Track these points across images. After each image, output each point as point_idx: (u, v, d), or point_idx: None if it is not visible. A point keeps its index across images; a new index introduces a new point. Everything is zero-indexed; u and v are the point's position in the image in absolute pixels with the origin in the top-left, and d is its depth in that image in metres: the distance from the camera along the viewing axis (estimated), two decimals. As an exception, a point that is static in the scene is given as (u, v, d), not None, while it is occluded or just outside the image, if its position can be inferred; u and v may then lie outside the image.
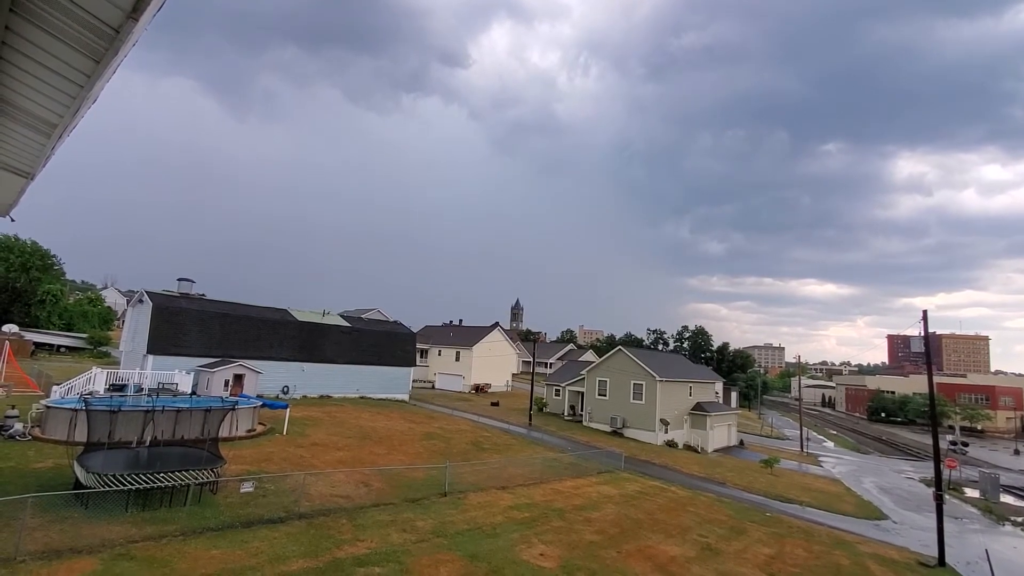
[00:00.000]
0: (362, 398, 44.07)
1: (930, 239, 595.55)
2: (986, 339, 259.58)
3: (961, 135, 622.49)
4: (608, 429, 43.58)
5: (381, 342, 48.40)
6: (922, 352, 23.27)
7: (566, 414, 50.43)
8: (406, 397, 48.50)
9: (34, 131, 5.09)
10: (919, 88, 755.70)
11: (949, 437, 63.55)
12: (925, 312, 22.81)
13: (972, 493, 37.16)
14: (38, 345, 54.47)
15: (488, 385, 67.39)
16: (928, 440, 25.80)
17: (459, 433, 33.58)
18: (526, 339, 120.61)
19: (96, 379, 27.89)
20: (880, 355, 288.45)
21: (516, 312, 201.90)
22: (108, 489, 13.58)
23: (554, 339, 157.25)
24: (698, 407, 46.29)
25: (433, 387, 66.47)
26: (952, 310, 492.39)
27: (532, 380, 49.03)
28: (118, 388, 28.36)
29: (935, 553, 20.52)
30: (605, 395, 45.43)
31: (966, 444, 63.52)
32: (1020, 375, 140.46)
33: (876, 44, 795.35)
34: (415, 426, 33.81)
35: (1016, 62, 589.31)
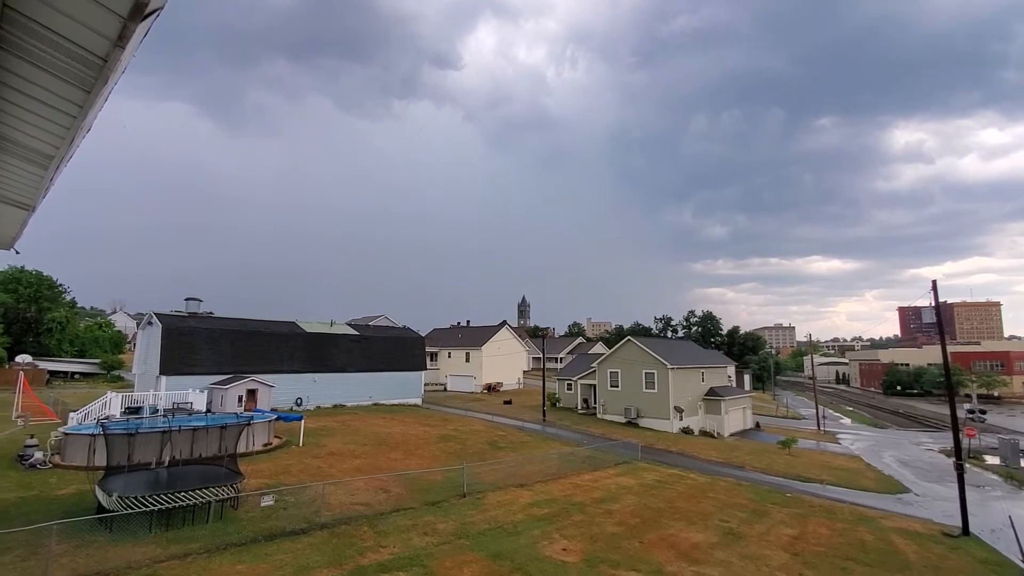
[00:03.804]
0: (375, 405, 44.24)
1: (934, 208, 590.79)
2: (997, 305, 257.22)
3: (956, 101, 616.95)
4: (623, 420, 43.52)
5: (390, 348, 48.56)
6: (934, 323, 23.04)
7: (579, 408, 50.41)
8: (419, 401, 48.65)
9: (31, 164, 5.12)
10: (909, 57, 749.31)
11: (967, 406, 62.80)
12: (934, 282, 22.57)
13: (992, 460, 36.83)
14: (52, 373, 55.07)
15: (500, 384, 67.48)
16: (946, 410, 25.61)
17: (474, 433, 33.65)
18: (534, 335, 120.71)
19: (111, 403, 28.16)
20: (892, 328, 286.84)
21: (523, 309, 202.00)
22: (130, 511, 13.71)
23: (562, 334, 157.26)
24: (711, 392, 46.13)
25: (445, 389, 66.63)
26: (960, 278, 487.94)
27: (543, 376, 49.01)
28: (134, 411, 28.60)
29: (959, 523, 20.37)
30: (617, 386, 45.35)
31: (984, 412, 62.75)
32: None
33: (863, 17, 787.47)
34: (430, 429, 33.91)
35: (1005, 24, 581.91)
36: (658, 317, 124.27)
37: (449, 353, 72.17)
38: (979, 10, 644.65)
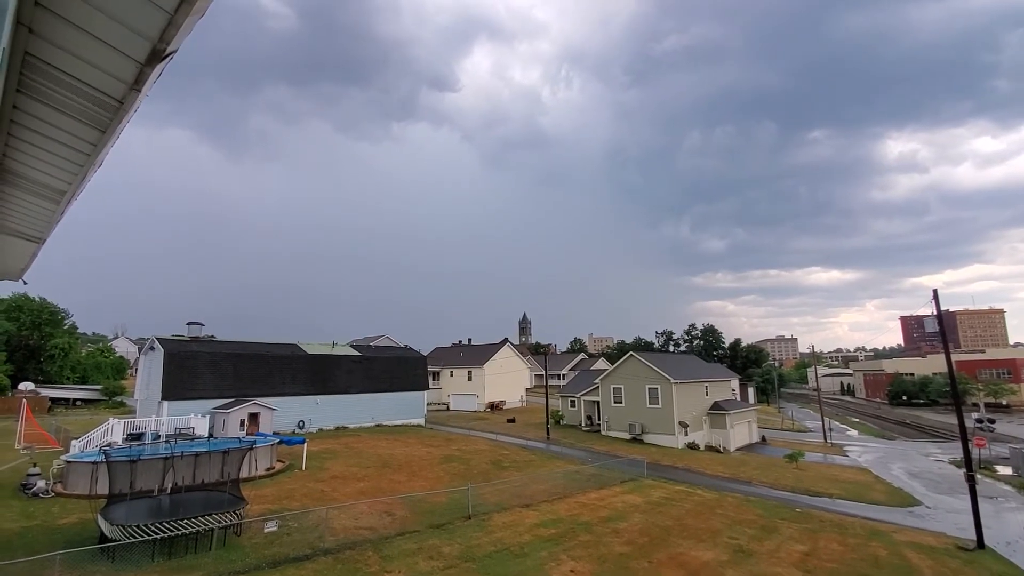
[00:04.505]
0: (378, 426, 43.96)
1: (932, 216, 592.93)
2: (1001, 312, 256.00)
3: (947, 111, 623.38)
4: (627, 436, 43.18)
5: (392, 368, 48.42)
6: (937, 332, 23.02)
7: (583, 425, 50.04)
8: (422, 421, 48.35)
9: (44, 199, 5.24)
10: (897, 69, 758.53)
11: (975, 415, 62.34)
12: (935, 291, 22.60)
13: (1004, 470, 36.36)
14: (54, 400, 54.84)
15: (503, 402, 67.08)
16: (953, 420, 25.40)
17: (478, 453, 33.39)
18: (536, 352, 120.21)
19: (114, 430, 28.02)
20: (895, 338, 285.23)
21: (524, 326, 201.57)
22: (133, 540, 13.59)
23: (564, 350, 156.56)
24: (716, 406, 45.84)
25: (448, 408, 66.22)
26: (961, 286, 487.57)
27: (546, 393, 48.77)
28: (136, 437, 28.45)
29: (973, 536, 20.09)
30: (621, 402, 45.09)
31: (992, 420, 62.28)
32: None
33: (850, 31, 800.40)
34: (433, 450, 33.66)
35: (992, 34, 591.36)
36: (660, 331, 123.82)
37: (451, 372, 71.92)
38: (966, 21, 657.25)
